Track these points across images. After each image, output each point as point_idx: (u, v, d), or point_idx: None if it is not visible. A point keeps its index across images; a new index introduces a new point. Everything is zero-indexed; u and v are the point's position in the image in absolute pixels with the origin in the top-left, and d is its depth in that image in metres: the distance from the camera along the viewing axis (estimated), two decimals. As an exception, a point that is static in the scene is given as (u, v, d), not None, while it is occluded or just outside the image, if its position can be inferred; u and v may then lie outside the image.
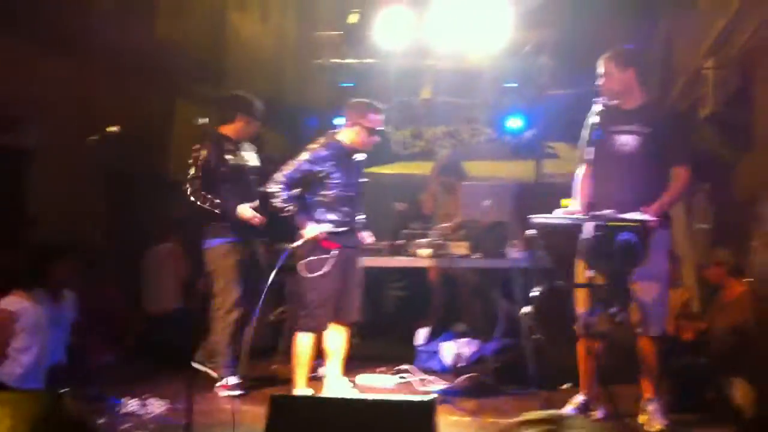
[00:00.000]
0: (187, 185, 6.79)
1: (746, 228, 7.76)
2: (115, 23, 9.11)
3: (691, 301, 7.78)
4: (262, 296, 6.10)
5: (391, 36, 9.24)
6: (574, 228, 5.67)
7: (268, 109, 7.33)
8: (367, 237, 6.76)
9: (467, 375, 7.18)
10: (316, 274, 6.32)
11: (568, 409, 6.00)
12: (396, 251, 7.40)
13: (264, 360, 7.53)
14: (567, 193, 6.25)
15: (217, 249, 6.90)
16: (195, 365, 6.63)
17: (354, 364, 6.78)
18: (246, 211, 6.80)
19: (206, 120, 6.20)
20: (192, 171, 6.81)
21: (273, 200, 6.33)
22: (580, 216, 5.75)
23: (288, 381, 6.84)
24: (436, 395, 6.47)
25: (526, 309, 6.11)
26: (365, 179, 6.71)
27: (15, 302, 6.11)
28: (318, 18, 11.34)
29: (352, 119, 6.57)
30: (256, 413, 5.99)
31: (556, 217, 5.86)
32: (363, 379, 7.10)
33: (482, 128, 11.50)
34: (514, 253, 7.19)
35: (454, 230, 7.46)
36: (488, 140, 11.43)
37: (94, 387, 6.29)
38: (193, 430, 5.21)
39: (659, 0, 11.02)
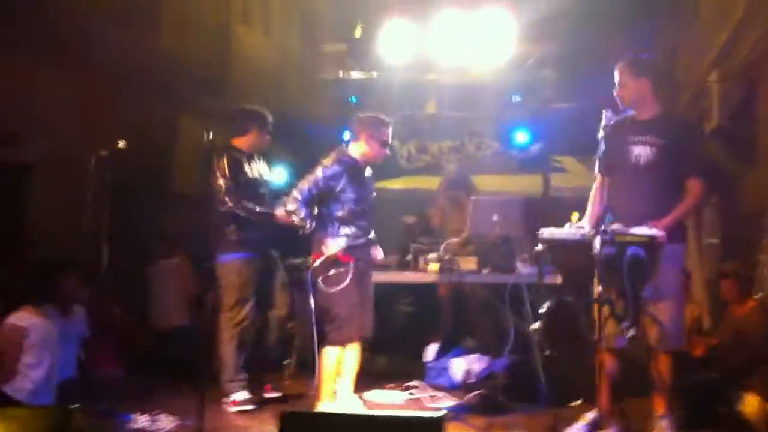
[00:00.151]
0: (224, 197, 6.77)
1: (755, 241, 7.74)
2: (118, 37, 9.10)
3: (702, 316, 7.76)
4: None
5: (395, 50, 9.28)
6: (584, 243, 5.62)
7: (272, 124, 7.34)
8: (378, 253, 6.74)
9: (477, 392, 7.13)
10: (338, 288, 6.28)
11: (579, 426, 5.97)
12: (404, 266, 7.38)
13: (274, 375, 7.45)
14: (575, 207, 6.21)
15: (230, 265, 6.88)
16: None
17: (363, 380, 6.74)
18: (285, 215, 6.64)
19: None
20: (221, 182, 6.79)
21: (292, 217, 6.30)
22: (588, 231, 5.71)
23: (298, 396, 6.92)
24: (445, 412, 6.51)
25: (536, 325, 6.10)
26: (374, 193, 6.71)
27: (25, 318, 6.09)
28: (322, 32, 11.37)
29: (362, 133, 6.54)
30: (266, 429, 6.00)
31: (565, 231, 5.82)
32: (373, 395, 7.07)
33: (488, 142, 11.52)
34: (523, 268, 7.17)
35: (462, 245, 7.44)
36: (494, 154, 11.44)
37: (104, 403, 6.26)
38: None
39: (662, 13, 11.04)
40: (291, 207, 6.31)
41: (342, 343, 6.36)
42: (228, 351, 6.85)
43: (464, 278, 7.21)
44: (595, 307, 5.77)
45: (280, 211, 6.67)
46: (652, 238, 5.46)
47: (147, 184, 9.82)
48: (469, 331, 8.53)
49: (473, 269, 7.22)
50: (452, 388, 7.54)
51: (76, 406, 5.01)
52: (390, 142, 6.66)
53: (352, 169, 6.46)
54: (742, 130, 8.64)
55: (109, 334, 7.55)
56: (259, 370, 7.23)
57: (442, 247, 7.29)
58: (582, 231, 5.72)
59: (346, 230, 6.38)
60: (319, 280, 6.30)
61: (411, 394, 7.31)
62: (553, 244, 5.79)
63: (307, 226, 6.32)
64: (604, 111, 5.67)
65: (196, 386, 5.35)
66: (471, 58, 9.54)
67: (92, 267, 7.34)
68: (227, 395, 6.79)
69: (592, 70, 9.44)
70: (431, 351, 7.98)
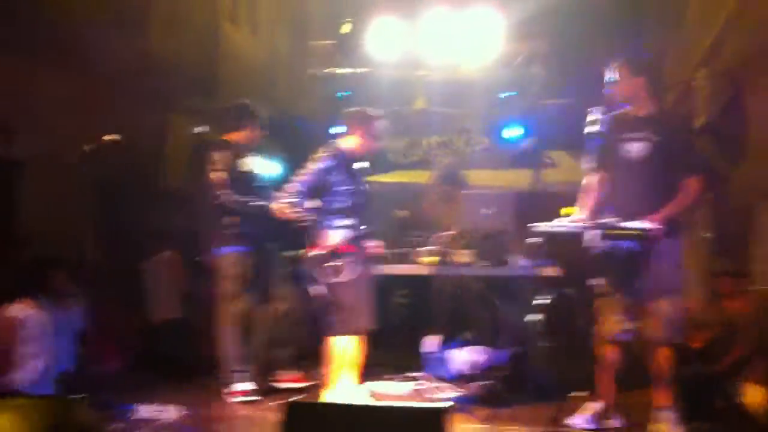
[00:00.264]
0: (217, 190, 6.81)
1: (746, 236, 7.81)
2: (108, 37, 9.06)
3: (698, 309, 7.80)
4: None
5: (384, 46, 9.29)
6: (578, 236, 5.66)
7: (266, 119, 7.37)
8: (376, 245, 6.78)
9: (481, 383, 7.20)
10: (341, 279, 6.35)
11: (582, 417, 6.00)
12: (399, 259, 7.40)
13: (276, 366, 7.46)
14: (566, 201, 6.27)
15: (227, 257, 6.93)
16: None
17: (368, 371, 6.77)
18: (282, 210, 6.70)
19: (205, 128, 6.18)
20: (215, 176, 6.84)
21: (290, 210, 6.32)
22: (581, 224, 5.75)
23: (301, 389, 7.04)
24: (451, 402, 6.55)
25: (533, 317, 6.13)
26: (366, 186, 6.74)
27: (21, 310, 6.14)
28: (310, 28, 11.36)
29: (354, 127, 6.62)
30: (268, 420, 6.00)
31: (558, 225, 5.86)
32: (377, 386, 7.10)
33: (476, 138, 11.52)
34: (516, 261, 7.20)
35: (452, 239, 7.46)
36: (485, 149, 11.45)
37: (103, 394, 6.25)
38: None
39: (650, 12, 11.11)
40: (289, 199, 6.33)
41: (351, 332, 6.42)
42: (227, 343, 6.88)
43: (459, 271, 7.22)
44: (594, 300, 5.83)
45: (276, 205, 6.72)
46: (646, 231, 5.51)
47: (137, 181, 9.80)
48: (465, 323, 8.55)
49: (468, 262, 7.24)
50: (453, 380, 7.55)
51: (80, 396, 5.01)
52: (382, 135, 6.73)
53: (346, 162, 6.52)
54: (730, 128, 8.70)
55: (103, 328, 7.55)
56: (263, 362, 7.27)
57: (435, 241, 7.30)
58: (575, 224, 5.77)
59: (345, 222, 6.43)
60: (321, 271, 6.33)
61: (417, 384, 7.35)
62: (548, 237, 5.84)
63: (306, 218, 6.34)
64: (588, 109, 5.73)
65: (195, 378, 5.33)
66: (460, 56, 9.56)
67: (82, 263, 7.34)
68: (228, 386, 6.80)
69: (580, 67, 9.50)
70: (430, 343, 8.00)
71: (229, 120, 7.18)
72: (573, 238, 5.73)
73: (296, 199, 6.33)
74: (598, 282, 5.62)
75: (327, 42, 10.00)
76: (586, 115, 5.77)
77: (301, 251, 7.20)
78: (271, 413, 6.10)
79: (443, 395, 7.11)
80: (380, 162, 8.91)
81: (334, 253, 6.36)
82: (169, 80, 10.27)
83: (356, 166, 6.62)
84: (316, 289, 6.32)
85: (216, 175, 6.84)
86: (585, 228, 5.63)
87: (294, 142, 7.46)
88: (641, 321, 5.71)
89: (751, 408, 6.00)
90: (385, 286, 6.70)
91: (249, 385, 6.82)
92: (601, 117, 5.72)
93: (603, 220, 5.53)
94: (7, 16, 8.27)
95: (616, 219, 5.57)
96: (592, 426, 5.90)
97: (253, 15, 13.32)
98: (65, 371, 6.35)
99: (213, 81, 11.78)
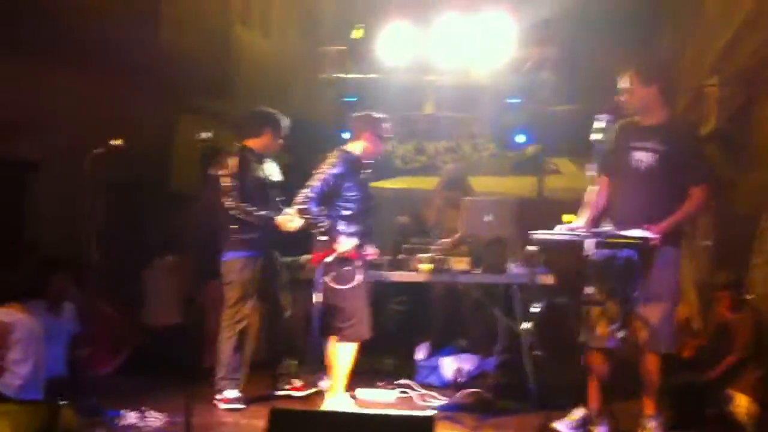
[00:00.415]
0: (226, 197, 6.86)
1: (747, 245, 7.75)
2: (118, 37, 9.12)
3: (692, 317, 7.77)
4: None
5: (394, 51, 9.27)
6: (576, 244, 5.62)
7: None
8: (372, 251, 6.79)
9: (468, 391, 7.18)
10: (350, 286, 6.39)
11: (566, 422, 5.98)
12: (397, 266, 7.39)
13: (264, 373, 7.48)
14: (569, 209, 6.24)
15: (235, 262, 6.97)
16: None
17: (353, 378, 6.77)
18: (286, 222, 6.82)
19: (209, 134, 6.20)
20: (227, 182, 6.88)
21: (306, 216, 6.36)
22: (580, 233, 5.71)
23: (287, 396, 7.05)
24: (435, 411, 6.55)
25: (526, 325, 6.11)
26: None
27: (9, 314, 6.12)
28: (321, 33, 11.38)
29: (362, 130, 6.67)
30: (255, 426, 6.02)
31: (557, 233, 5.83)
32: (363, 393, 7.09)
33: (484, 144, 11.50)
34: (515, 269, 7.18)
35: (455, 245, 7.43)
36: (491, 156, 11.42)
37: (93, 399, 6.29)
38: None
39: (661, 18, 11.03)
40: (305, 205, 6.34)
41: (357, 339, 6.48)
42: (225, 348, 6.92)
43: (456, 278, 7.20)
44: (586, 308, 5.79)
45: (282, 218, 6.79)
46: (644, 240, 5.48)
47: (144, 183, 9.85)
48: (460, 330, 8.54)
49: (465, 269, 7.22)
50: (443, 387, 7.56)
51: (64, 402, 5.03)
52: (389, 137, 6.81)
53: (356, 167, 6.56)
54: (739, 134, 8.64)
55: (100, 332, 7.58)
56: (266, 369, 7.39)
57: (435, 247, 7.29)
58: (573, 232, 5.74)
59: (351, 228, 6.47)
60: (329, 277, 6.36)
61: (402, 392, 7.35)
62: (544, 245, 5.81)
63: (322, 223, 6.35)
64: (597, 116, 5.68)
65: (186, 384, 5.35)
66: (470, 61, 9.53)
67: (85, 265, 7.37)
68: (219, 392, 6.83)
69: (590, 73, 9.45)
70: (422, 350, 8.00)
71: (251, 125, 7.21)
72: (570, 246, 5.69)
73: (309, 205, 6.34)
74: (591, 290, 5.57)
75: (338, 47, 10.00)
76: (592, 122, 5.72)
77: (302, 257, 7.26)
78: (258, 420, 6.10)
79: (429, 403, 7.10)
80: (384, 168, 8.90)
81: (345, 260, 6.39)
82: (178, 80, 10.31)
83: (364, 171, 6.64)
84: (325, 296, 6.34)
85: (225, 182, 6.88)
86: (583, 237, 5.57)
87: (301, 147, 7.46)
88: (633, 329, 5.66)
89: (739, 417, 5.98)
90: (382, 292, 6.69)
91: (237, 393, 6.84)
92: (606, 124, 5.66)
93: (602, 229, 5.49)
94: (20, 16, 8.34)
95: (616, 227, 5.53)
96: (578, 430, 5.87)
97: (265, 17, 13.36)
98: (57, 376, 6.39)
99: (224, 82, 11.82)
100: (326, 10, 11.66)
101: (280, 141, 7.26)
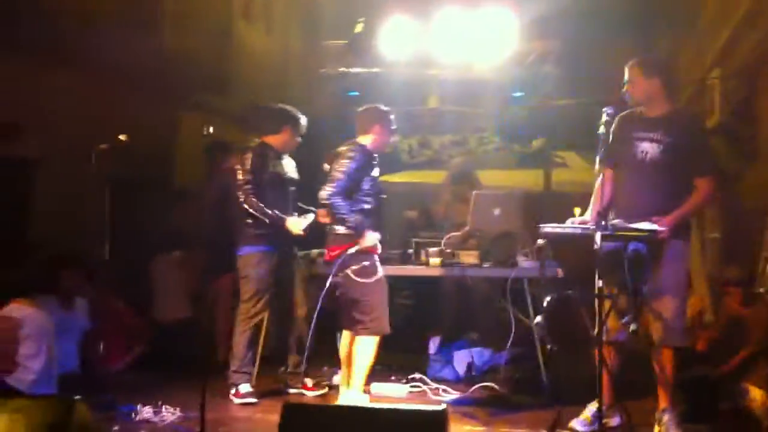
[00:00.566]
0: (239, 192, 6.91)
1: (756, 237, 7.75)
2: (120, 34, 9.10)
3: (704, 310, 7.77)
4: (318, 304, 6.27)
5: (396, 45, 9.27)
6: (586, 238, 5.62)
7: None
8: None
9: (480, 384, 7.22)
10: (373, 279, 6.39)
11: (580, 419, 5.98)
12: (406, 260, 7.39)
13: (276, 368, 7.49)
14: (577, 201, 6.23)
15: (251, 257, 7.00)
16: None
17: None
18: (295, 226, 6.91)
19: (210, 130, 6.18)
20: (241, 177, 6.94)
21: (336, 211, 6.32)
22: (589, 226, 5.71)
23: (299, 394, 7.07)
24: (447, 405, 6.53)
25: (538, 319, 6.11)
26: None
27: (18, 309, 6.12)
28: (323, 28, 11.37)
29: (372, 123, 6.63)
30: (269, 421, 6.01)
31: (566, 226, 5.83)
32: (377, 388, 7.09)
33: (490, 137, 11.51)
34: (525, 262, 7.18)
35: (463, 239, 7.44)
36: (496, 149, 11.43)
37: (107, 395, 6.29)
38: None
39: (664, 11, 11.04)
40: (335, 200, 6.30)
41: (379, 333, 6.43)
42: (240, 342, 6.94)
43: (465, 272, 7.20)
44: (597, 301, 5.79)
45: (292, 222, 6.90)
46: (653, 233, 5.47)
47: (149, 179, 9.83)
48: (471, 324, 8.55)
49: (475, 263, 7.22)
50: (456, 381, 7.59)
51: (78, 397, 5.02)
52: (395, 130, 6.82)
53: (371, 161, 6.54)
54: (743, 128, 8.64)
55: (112, 328, 7.58)
56: (278, 364, 7.44)
57: (443, 241, 7.29)
58: (583, 226, 5.74)
59: (368, 222, 6.46)
60: (351, 270, 6.34)
61: (415, 386, 7.35)
62: (554, 238, 5.80)
63: (351, 218, 6.33)
64: (604, 108, 5.67)
65: (200, 379, 5.34)
66: (473, 55, 9.53)
67: (94, 261, 7.36)
68: (233, 386, 6.86)
69: (593, 67, 9.47)
70: (434, 344, 8.00)
71: (270, 122, 7.22)
72: (578, 239, 5.68)
73: (342, 200, 6.32)
74: (601, 283, 5.57)
75: (340, 41, 10.00)
76: (598, 115, 5.72)
77: (313, 252, 7.25)
78: (272, 415, 6.08)
79: (442, 397, 7.12)
80: (390, 162, 8.91)
81: (367, 254, 6.40)
82: (181, 76, 10.30)
83: (375, 165, 6.64)
84: (345, 289, 6.35)
85: (239, 177, 6.93)
86: (593, 229, 5.56)
87: (304, 142, 7.44)
88: (644, 322, 5.66)
89: (754, 410, 5.97)
90: (391, 287, 6.67)
91: (249, 388, 6.86)
92: (611, 116, 5.66)
93: (611, 221, 5.48)
94: (19, 15, 8.31)
95: (625, 220, 5.52)
96: (592, 427, 5.85)
97: (267, 13, 13.35)
98: (70, 371, 6.38)
99: (226, 78, 11.81)
100: (327, 6, 11.63)
101: (299, 139, 7.26)
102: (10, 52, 8.25)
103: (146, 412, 6.17)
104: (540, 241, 5.83)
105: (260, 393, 6.89)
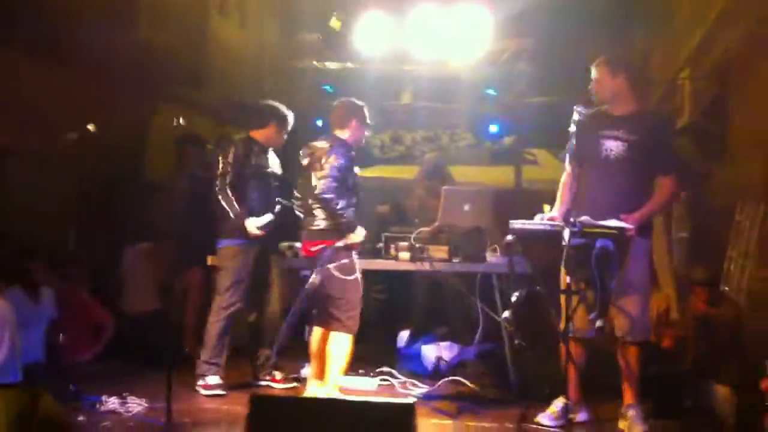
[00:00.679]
0: (216, 182, 6.96)
1: (723, 236, 7.82)
2: (95, 27, 9.04)
3: (670, 308, 7.83)
4: (302, 296, 6.27)
5: (371, 41, 9.29)
6: (554, 234, 5.66)
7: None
8: None
9: (449, 378, 7.25)
10: (354, 276, 6.39)
11: (547, 414, 6.01)
12: (376, 254, 7.40)
13: (245, 361, 7.47)
14: (547, 198, 6.27)
15: (229, 249, 7.01)
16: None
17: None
18: (252, 228, 6.90)
19: (182, 121, 6.17)
20: (220, 168, 6.98)
21: (331, 207, 6.28)
22: (558, 222, 5.76)
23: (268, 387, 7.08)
24: (416, 398, 6.56)
25: (506, 314, 6.14)
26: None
27: None
28: (298, 22, 11.34)
29: (349, 117, 6.62)
30: (236, 413, 6.01)
31: (536, 223, 5.88)
32: (345, 381, 7.09)
33: (462, 134, 11.57)
34: (494, 258, 7.21)
35: (433, 234, 7.45)
36: (468, 146, 11.48)
37: (72, 385, 6.27)
38: (173, 430, 5.20)
39: (637, 11, 11.09)
40: (329, 195, 6.25)
41: (354, 331, 6.40)
42: (212, 332, 6.94)
43: (435, 267, 7.22)
44: (563, 297, 5.83)
45: (250, 223, 6.87)
46: (621, 230, 5.52)
47: (120, 172, 9.79)
48: (441, 319, 8.58)
49: (444, 258, 7.24)
50: (424, 375, 7.61)
51: (43, 387, 5.00)
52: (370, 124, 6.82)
53: (353, 156, 6.55)
54: (713, 127, 8.70)
55: (78, 318, 7.56)
56: (247, 356, 7.40)
57: (413, 236, 7.30)
58: (552, 222, 5.77)
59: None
60: (333, 267, 6.31)
61: (383, 380, 7.37)
62: (523, 234, 5.83)
63: (345, 214, 6.33)
64: (575, 106, 5.72)
65: (167, 370, 5.34)
66: (447, 52, 9.56)
67: (61, 252, 7.34)
68: (201, 377, 6.85)
69: (566, 65, 9.50)
70: (403, 337, 8.02)
71: (257, 117, 7.27)
72: (547, 236, 5.72)
73: (336, 197, 6.29)
74: (569, 279, 5.60)
75: (315, 36, 10.00)
76: (570, 113, 5.76)
77: (285, 245, 7.25)
78: (239, 407, 6.09)
79: (410, 391, 7.13)
80: (362, 156, 8.93)
81: (349, 250, 6.40)
82: (155, 70, 10.26)
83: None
84: (322, 285, 6.29)
85: (221, 168, 6.96)
86: (562, 226, 5.60)
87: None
88: (609, 319, 5.71)
89: (719, 408, 6.02)
90: (365, 281, 6.67)
91: (218, 380, 6.85)
92: (582, 115, 5.70)
93: (580, 218, 5.51)
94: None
95: (591, 217, 5.55)
96: (559, 422, 5.89)
97: (242, 7, 13.27)
98: (36, 362, 6.35)
99: (201, 72, 11.76)
100: (303, 0, 11.61)
101: (284, 136, 7.28)
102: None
103: (112, 402, 6.14)
104: (509, 237, 5.84)
105: (228, 386, 6.87)
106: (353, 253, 6.46)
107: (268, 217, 6.96)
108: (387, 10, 9.21)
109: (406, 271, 7.53)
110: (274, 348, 7.05)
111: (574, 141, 5.77)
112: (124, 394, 6.25)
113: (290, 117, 7.28)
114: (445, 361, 7.72)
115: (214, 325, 6.93)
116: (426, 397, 6.87)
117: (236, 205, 6.89)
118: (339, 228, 6.34)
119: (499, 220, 6.98)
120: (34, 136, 8.49)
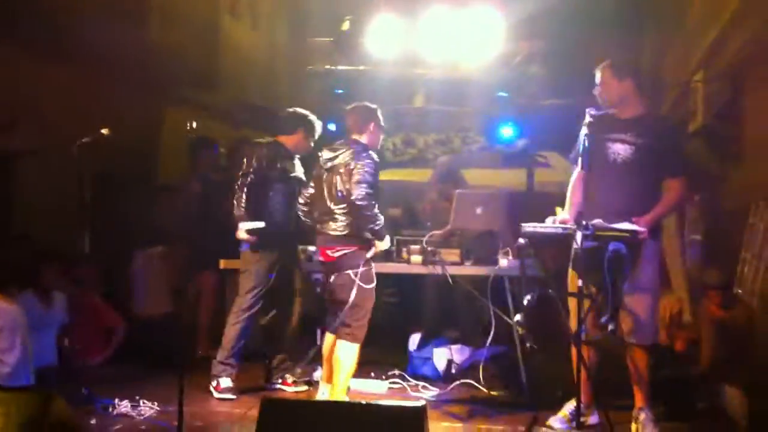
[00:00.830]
0: (236, 183, 6.97)
1: (737, 239, 7.79)
2: (107, 29, 9.07)
3: (683, 310, 7.81)
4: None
5: (383, 44, 9.28)
6: (566, 237, 5.65)
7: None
8: None
9: (460, 382, 7.27)
10: (372, 285, 6.33)
11: (559, 417, 6.00)
12: (388, 257, 7.40)
13: (259, 364, 7.47)
14: (559, 201, 6.27)
15: (254, 253, 7.04)
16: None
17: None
18: (242, 232, 6.89)
19: (194, 125, 6.18)
20: (243, 167, 7.00)
21: (367, 215, 6.19)
22: (570, 225, 5.74)
23: (279, 390, 7.12)
24: (426, 401, 6.56)
25: (518, 317, 6.13)
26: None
27: None
28: (310, 25, 11.35)
29: (367, 121, 6.54)
30: (248, 416, 6.02)
31: (547, 226, 5.86)
32: (356, 384, 7.07)
33: (474, 137, 11.55)
34: (505, 261, 7.19)
35: (445, 237, 7.44)
36: (480, 149, 11.46)
37: (85, 388, 6.28)
38: (184, 432, 5.21)
39: (650, 13, 11.07)
40: (367, 202, 6.17)
41: (360, 340, 6.32)
42: (230, 334, 6.98)
43: (446, 270, 7.20)
44: (571, 300, 5.83)
45: (242, 227, 6.86)
46: (633, 233, 5.50)
47: (132, 174, 9.82)
48: (452, 322, 8.58)
49: (456, 261, 7.23)
50: (435, 378, 7.61)
51: (56, 390, 5.02)
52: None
53: (377, 161, 6.46)
54: (727, 130, 8.67)
55: (90, 322, 7.58)
56: (261, 360, 7.42)
57: (424, 240, 7.29)
58: (564, 225, 5.77)
59: None
60: (354, 273, 6.23)
61: (394, 383, 7.38)
62: (535, 237, 5.82)
63: (379, 221, 6.29)
64: (587, 109, 5.72)
65: (179, 373, 5.34)
66: (459, 54, 9.55)
67: (74, 256, 7.36)
68: (215, 377, 6.88)
69: (578, 68, 9.48)
70: (415, 340, 8.01)
71: (286, 123, 7.29)
72: (560, 238, 5.71)
73: (374, 204, 6.24)
74: (581, 282, 5.59)
75: (326, 39, 10.00)
76: (581, 116, 5.76)
77: (308, 248, 7.23)
78: (251, 410, 6.10)
79: (421, 393, 7.14)
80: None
81: (370, 259, 6.36)
82: (167, 72, 10.28)
83: None
84: (343, 292, 6.25)
85: (243, 169, 6.98)
86: (574, 229, 5.59)
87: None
88: (620, 321, 5.69)
89: (729, 410, 6.00)
90: (377, 284, 6.64)
91: (230, 382, 6.87)
92: (594, 117, 5.70)
93: (593, 221, 5.50)
94: (6, 7, 8.29)
95: (600, 220, 5.54)
96: (569, 425, 5.88)
97: (254, 9, 13.32)
98: (49, 365, 6.38)
99: (212, 74, 11.80)
100: (314, 2, 11.60)
101: (311, 143, 7.30)
102: (-4, 45, 8.25)
103: (124, 405, 6.18)
104: (521, 240, 5.83)
105: (240, 389, 6.89)
106: (370, 261, 6.39)
107: (258, 224, 6.93)
108: (399, 12, 9.20)
109: (419, 274, 7.52)
110: (289, 352, 7.12)
111: (582, 143, 5.77)
112: (136, 398, 6.28)
113: (318, 125, 7.31)
114: (457, 364, 7.72)
115: (234, 326, 6.97)
116: (437, 401, 6.89)
117: (242, 207, 6.88)
118: (374, 234, 6.31)
119: (511, 223, 6.97)
120: (46, 139, 8.52)
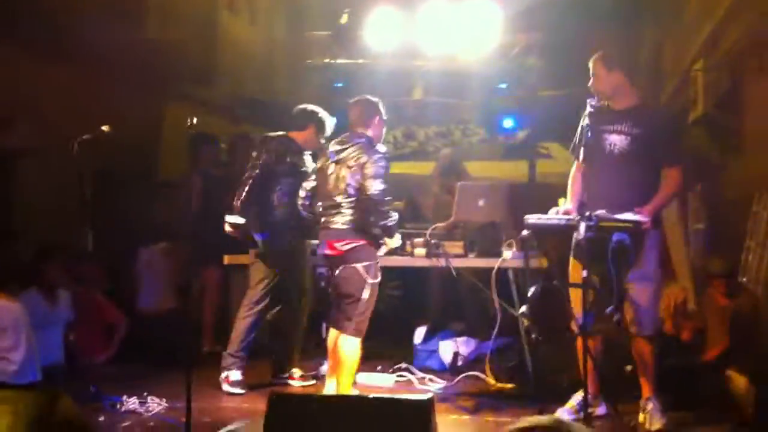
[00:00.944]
0: (245, 187, 6.94)
1: (740, 228, 7.80)
2: (104, 25, 9.06)
3: (688, 300, 7.81)
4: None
5: (382, 37, 9.27)
6: (569, 228, 5.65)
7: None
8: None
9: (466, 374, 7.28)
10: (378, 280, 6.29)
11: (566, 408, 6.01)
12: (392, 251, 7.39)
13: (267, 359, 7.46)
14: (561, 192, 6.28)
15: (263, 245, 7.05)
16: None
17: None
18: (227, 225, 6.93)
19: (195, 121, 6.17)
20: (251, 160, 7.04)
21: (382, 210, 6.22)
22: (573, 216, 5.74)
23: (286, 384, 7.10)
24: (433, 394, 6.54)
25: (523, 308, 6.13)
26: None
27: None
28: (308, 18, 11.35)
29: (373, 115, 6.51)
30: (256, 411, 6.00)
31: (551, 217, 5.87)
32: (362, 377, 7.08)
33: (474, 128, 11.56)
34: (509, 253, 7.19)
35: (448, 229, 7.44)
36: (481, 141, 11.47)
37: (92, 386, 6.28)
38: (193, 429, 5.20)
39: (647, 3, 11.06)
40: (382, 197, 6.20)
41: (362, 335, 6.28)
42: (241, 327, 7.01)
43: (450, 262, 7.20)
44: (572, 290, 5.83)
45: (229, 219, 6.88)
46: (637, 223, 5.51)
47: (133, 171, 9.82)
48: (457, 314, 8.58)
49: (459, 254, 7.23)
50: (441, 371, 7.61)
51: (63, 388, 5.00)
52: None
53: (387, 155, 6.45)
54: (728, 119, 8.68)
55: (95, 319, 7.58)
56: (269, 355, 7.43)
57: (428, 232, 7.28)
58: (567, 216, 5.77)
59: None
60: (361, 266, 6.20)
61: (400, 376, 7.38)
62: (538, 229, 5.83)
63: (393, 217, 6.30)
64: (588, 99, 5.72)
65: (186, 369, 5.34)
66: (458, 46, 9.54)
67: (77, 253, 7.35)
68: (224, 369, 6.90)
69: (578, 58, 9.47)
70: (420, 333, 8.01)
71: (297, 119, 7.28)
72: (563, 229, 5.71)
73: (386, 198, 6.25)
74: (585, 273, 5.59)
75: (325, 32, 9.99)
76: (582, 106, 5.76)
77: (311, 242, 7.22)
78: (259, 405, 6.08)
79: (428, 386, 7.16)
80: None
81: (376, 253, 6.34)
82: (166, 68, 10.27)
83: None
84: (351, 286, 6.21)
85: (251, 162, 7.01)
86: (577, 220, 5.59)
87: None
88: (624, 311, 5.70)
89: (736, 398, 6.00)
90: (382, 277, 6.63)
91: (239, 375, 6.90)
92: (594, 108, 5.70)
93: (596, 212, 5.50)
94: (6, 7, 8.27)
95: (604, 211, 5.54)
96: (577, 416, 5.87)
97: (252, 4, 13.30)
98: (55, 363, 6.37)
99: (211, 69, 11.78)
100: (312, -5, 11.62)
101: (321, 140, 7.25)
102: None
103: (132, 402, 6.17)
104: (524, 232, 5.84)
105: (248, 384, 6.90)
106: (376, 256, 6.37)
107: (237, 219, 6.91)
108: (397, 4, 9.18)
109: (423, 267, 7.52)
110: (296, 346, 7.14)
111: (580, 133, 5.78)
112: (143, 394, 6.28)
113: (330, 121, 7.28)
114: (463, 356, 7.73)
115: (245, 320, 7.00)
116: (444, 393, 6.89)
117: (239, 200, 6.88)
118: (385, 231, 6.31)
119: (514, 214, 6.97)
120: (46, 137, 8.52)
